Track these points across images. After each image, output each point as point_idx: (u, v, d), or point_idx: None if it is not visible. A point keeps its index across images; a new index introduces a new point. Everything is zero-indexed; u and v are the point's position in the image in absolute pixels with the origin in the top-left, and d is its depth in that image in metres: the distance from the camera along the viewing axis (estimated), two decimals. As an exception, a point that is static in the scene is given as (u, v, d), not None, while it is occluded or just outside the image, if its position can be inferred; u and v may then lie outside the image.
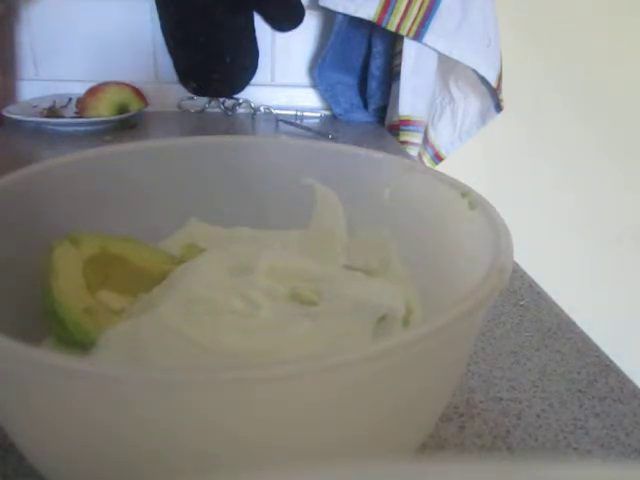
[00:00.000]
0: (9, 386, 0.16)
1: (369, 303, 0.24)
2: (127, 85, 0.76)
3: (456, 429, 0.26)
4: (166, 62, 0.80)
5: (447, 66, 0.79)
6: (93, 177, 0.28)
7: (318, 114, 0.86)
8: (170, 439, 0.15)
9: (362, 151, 0.30)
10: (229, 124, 0.81)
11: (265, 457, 0.15)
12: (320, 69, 0.83)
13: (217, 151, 0.31)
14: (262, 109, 0.84)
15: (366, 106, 0.86)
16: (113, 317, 0.24)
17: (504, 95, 0.79)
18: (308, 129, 0.78)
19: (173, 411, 0.14)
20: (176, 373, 0.14)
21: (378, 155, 0.30)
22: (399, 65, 0.77)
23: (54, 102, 0.78)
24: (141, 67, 0.83)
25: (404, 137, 0.80)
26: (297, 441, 0.16)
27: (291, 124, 0.79)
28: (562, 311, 0.37)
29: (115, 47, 0.82)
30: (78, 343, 0.22)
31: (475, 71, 0.76)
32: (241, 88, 0.82)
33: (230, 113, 0.84)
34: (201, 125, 0.80)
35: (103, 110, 0.73)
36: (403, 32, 0.74)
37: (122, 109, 0.74)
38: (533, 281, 0.41)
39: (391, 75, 0.82)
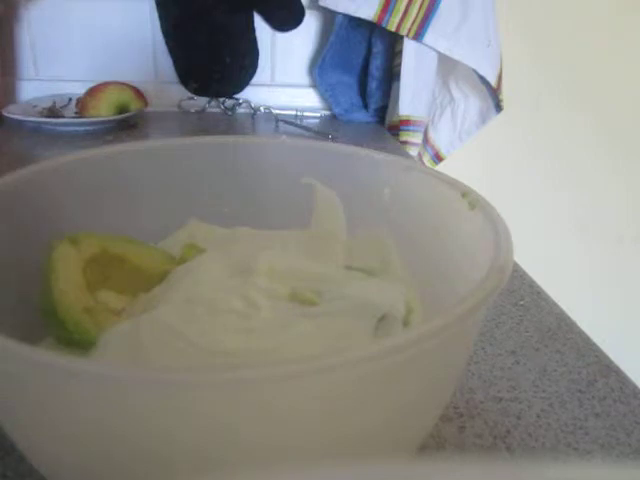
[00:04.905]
0: (9, 386, 0.16)
1: (369, 303, 0.24)
2: (127, 85, 0.76)
3: (456, 429, 0.26)
4: (166, 62, 0.80)
5: (447, 66, 0.79)
6: (93, 177, 0.28)
7: (318, 114, 0.86)
8: (170, 439, 0.15)
9: (362, 151, 0.30)
10: (229, 124, 0.81)
11: (265, 457, 0.15)
12: (320, 69, 0.83)
13: (217, 151, 0.31)
14: (262, 109, 0.83)
15: (366, 106, 0.86)
16: (113, 317, 0.24)
17: (504, 95, 0.79)
18: (308, 129, 0.77)
19: (173, 411, 0.14)
20: (176, 373, 0.14)
21: (378, 155, 0.30)
22: (399, 65, 0.77)
23: (54, 102, 0.78)
24: (141, 67, 0.83)
25: (404, 137, 0.80)
26: (297, 441, 0.16)
27: (291, 124, 0.79)
28: (562, 311, 0.37)
29: (115, 47, 0.82)
30: (78, 343, 0.22)
31: (475, 71, 0.76)
32: (241, 88, 0.82)
33: (230, 113, 0.84)
34: (201, 125, 0.80)
35: (103, 110, 0.73)
36: (403, 32, 0.74)
37: (122, 109, 0.74)
38: (533, 281, 0.41)
39: (391, 75, 0.82)
